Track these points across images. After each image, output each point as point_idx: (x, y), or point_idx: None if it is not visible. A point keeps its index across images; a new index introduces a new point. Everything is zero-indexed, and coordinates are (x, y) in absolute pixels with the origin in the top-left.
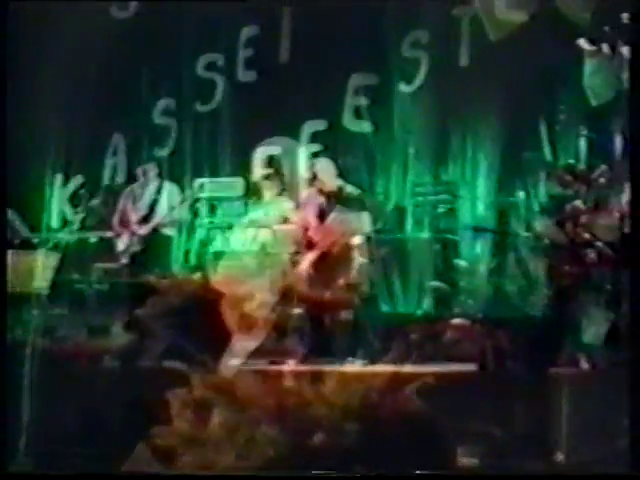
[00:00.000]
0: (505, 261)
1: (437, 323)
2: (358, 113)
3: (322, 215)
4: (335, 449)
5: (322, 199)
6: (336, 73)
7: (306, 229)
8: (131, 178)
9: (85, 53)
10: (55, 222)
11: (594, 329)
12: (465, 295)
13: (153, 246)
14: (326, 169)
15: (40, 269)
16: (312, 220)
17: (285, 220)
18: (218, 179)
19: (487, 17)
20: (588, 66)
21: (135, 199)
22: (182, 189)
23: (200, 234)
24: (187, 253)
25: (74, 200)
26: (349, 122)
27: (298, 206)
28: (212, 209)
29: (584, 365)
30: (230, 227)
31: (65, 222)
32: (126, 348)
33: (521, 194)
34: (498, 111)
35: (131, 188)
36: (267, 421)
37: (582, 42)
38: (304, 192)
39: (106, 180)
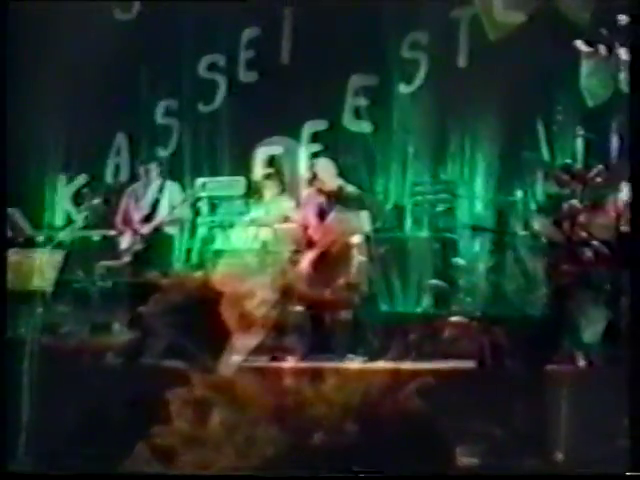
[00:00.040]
0: (503, 259)
1: (436, 321)
2: (358, 113)
3: (322, 214)
4: (335, 448)
5: (322, 198)
6: (336, 74)
7: (306, 228)
8: (134, 177)
9: (89, 54)
10: (59, 220)
11: (591, 327)
12: (464, 293)
13: (155, 244)
14: (326, 169)
15: (44, 267)
16: (312, 219)
17: (286, 219)
18: (219, 178)
19: (486, 18)
20: (585, 67)
21: (138, 198)
22: (184, 188)
23: (202, 233)
24: (189, 251)
25: (78, 199)
26: (349, 122)
27: (298, 205)
28: (213, 208)
29: (581, 362)
30: (231, 226)
31: (69, 220)
32: (129, 345)
33: (519, 193)
34: (496, 111)
35: (134, 187)
36: (267, 420)
37: (579, 44)
38: (304, 191)
39: (109, 179)
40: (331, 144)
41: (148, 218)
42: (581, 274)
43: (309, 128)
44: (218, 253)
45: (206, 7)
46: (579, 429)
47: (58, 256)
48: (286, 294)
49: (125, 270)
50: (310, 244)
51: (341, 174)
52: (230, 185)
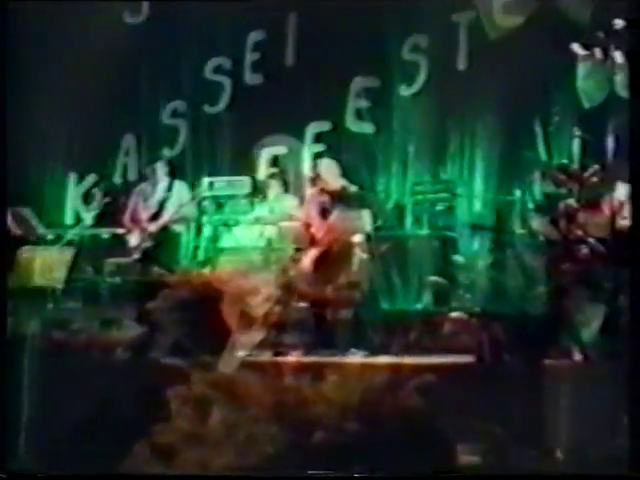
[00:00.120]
0: (502, 257)
1: (436, 317)
2: (360, 115)
3: (325, 213)
4: (335, 447)
5: (325, 198)
6: (339, 76)
7: (309, 226)
8: (142, 177)
9: (99, 57)
10: (69, 219)
11: (588, 322)
12: (463, 290)
13: (163, 242)
14: (329, 169)
15: (54, 264)
16: (315, 218)
17: (290, 217)
18: (225, 178)
19: (485, 21)
20: (581, 70)
21: (146, 197)
22: (191, 187)
23: (208, 231)
24: (195, 249)
25: (88, 198)
26: (351, 123)
27: (302, 204)
28: (219, 207)
29: (577, 357)
30: (236, 224)
31: (79, 219)
32: (137, 340)
33: (517, 193)
34: (495, 113)
35: (142, 187)
36: (267, 418)
37: (576, 47)
38: (308, 191)
39: (118, 179)
40: (334, 144)
41: (156, 216)
42: (578, 271)
43: (312, 129)
44: (224, 251)
45: (212, 11)
46: (575, 422)
47: (68, 254)
48: (290, 290)
49: (133, 267)
50: (313, 242)
51: (343, 174)
52: (235, 184)
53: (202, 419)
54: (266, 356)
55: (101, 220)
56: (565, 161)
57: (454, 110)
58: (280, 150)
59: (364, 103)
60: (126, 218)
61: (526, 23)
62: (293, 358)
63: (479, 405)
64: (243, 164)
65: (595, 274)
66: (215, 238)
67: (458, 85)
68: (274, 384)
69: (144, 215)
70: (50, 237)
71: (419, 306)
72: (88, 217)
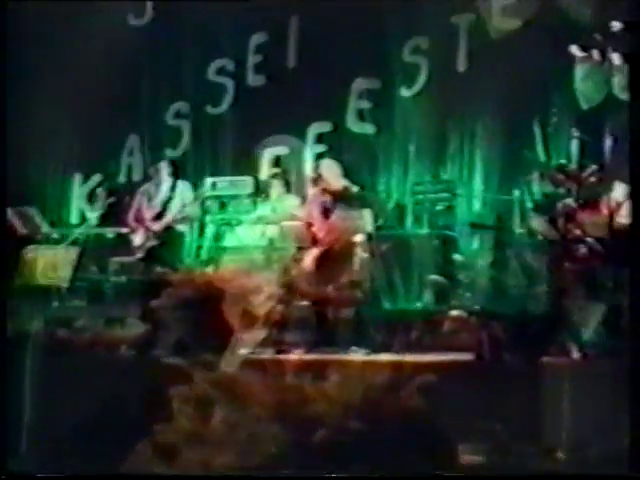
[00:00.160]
0: (501, 256)
1: (436, 315)
2: (361, 115)
3: (326, 213)
4: (336, 446)
5: (327, 198)
6: (340, 77)
7: (311, 226)
8: (146, 177)
9: (104, 59)
10: (74, 218)
11: (586, 321)
12: (463, 288)
13: (167, 241)
14: (331, 169)
15: (60, 263)
16: (317, 218)
17: (292, 217)
18: (228, 178)
19: (485, 23)
20: (579, 71)
21: (150, 197)
22: (194, 187)
23: (211, 230)
24: (199, 248)
25: (92, 197)
26: (353, 124)
27: (304, 204)
28: (222, 206)
29: (576, 355)
30: (239, 223)
31: (84, 218)
32: (141, 338)
33: (516, 192)
34: (494, 114)
35: (146, 186)
36: (269, 418)
37: (574, 49)
38: (310, 191)
39: (122, 179)
40: (335, 145)
41: (160, 216)
42: (576, 270)
43: (314, 129)
44: (226, 250)
45: (215, 13)
46: (573, 419)
47: (73, 253)
48: (292, 289)
49: (137, 266)
50: (315, 241)
51: (345, 174)
52: (238, 184)
53: (204, 418)
54: (268, 354)
55: (106, 220)
56: (563, 161)
57: (454, 111)
58: (282, 150)
59: (365, 104)
60: (130, 218)
61: (525, 25)
62: (295, 356)
63: (479, 403)
64: (245, 164)
65: (593, 273)
66: (218, 237)
67: (458, 86)
68: (276, 383)
69: (148, 215)
70: (55, 236)
71: (420, 305)
72: (93, 217)
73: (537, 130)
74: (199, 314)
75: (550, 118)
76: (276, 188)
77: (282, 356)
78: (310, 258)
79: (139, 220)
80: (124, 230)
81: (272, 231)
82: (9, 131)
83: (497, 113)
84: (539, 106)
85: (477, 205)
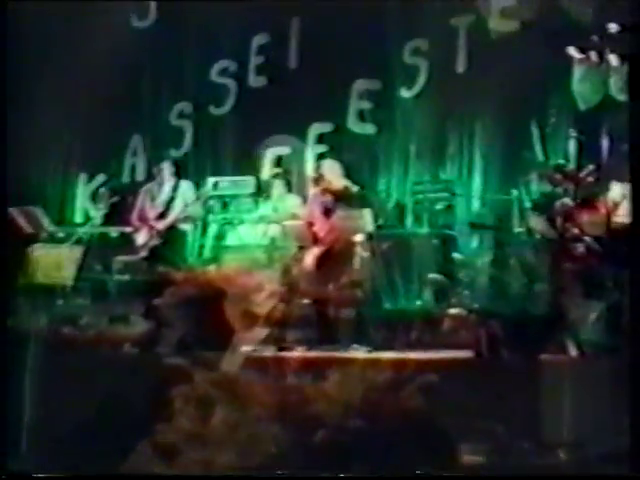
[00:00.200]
0: (500, 255)
1: (436, 313)
2: (362, 116)
3: (327, 213)
4: (336, 446)
5: (328, 198)
6: (341, 79)
7: (312, 225)
8: (149, 177)
9: (108, 60)
10: (78, 218)
11: (583, 318)
12: (462, 287)
13: (170, 240)
14: (332, 169)
15: (64, 262)
16: (318, 217)
17: (293, 216)
18: (230, 178)
19: (484, 25)
20: (577, 73)
21: (153, 196)
22: (196, 187)
23: (213, 229)
24: (201, 247)
25: (96, 197)
26: (353, 124)
27: (305, 203)
28: (225, 206)
29: (573, 353)
30: (241, 223)
31: (88, 218)
32: (145, 336)
33: (515, 192)
34: (493, 114)
35: (149, 186)
36: (269, 418)
37: (572, 50)
38: (311, 190)
39: (126, 178)
40: (336, 145)
41: (163, 215)
42: (574, 268)
43: (315, 130)
44: (229, 248)
45: (218, 15)
46: (571, 416)
47: (78, 251)
48: (293, 287)
49: (141, 265)
50: (316, 241)
51: (345, 174)
52: (240, 184)
53: (205, 418)
54: (270, 352)
55: (109, 219)
56: (561, 161)
57: (453, 112)
58: (283, 150)
59: (366, 105)
60: (134, 217)
61: (523, 27)
62: (296, 354)
63: (478, 400)
64: (247, 164)
65: (591, 271)
66: (220, 236)
67: (457, 87)
68: (276, 383)
69: (151, 214)
70: (60, 235)
71: (419, 303)
72: (97, 216)
73: (535, 130)
74: (202, 312)
75: (548, 119)
76: (277, 188)
77: (283, 354)
78: (311, 257)
79: (142, 219)
80: (128, 229)
81: (274, 230)
82: (17, 132)
83: (496, 114)
84: (537, 107)
85: (476, 205)
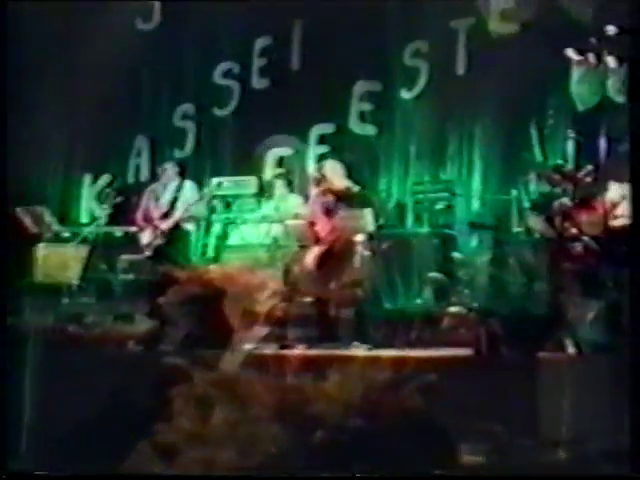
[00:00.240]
0: (499, 254)
1: (436, 312)
2: (363, 117)
3: (329, 213)
4: (336, 446)
5: (330, 198)
6: (343, 80)
7: (314, 224)
8: (153, 177)
9: (113, 62)
10: (84, 217)
11: (581, 317)
12: (462, 286)
13: (174, 240)
14: (334, 170)
15: (70, 261)
16: (320, 217)
17: (295, 216)
18: (233, 178)
19: (484, 27)
20: (575, 74)
21: (157, 196)
22: (200, 187)
23: (216, 229)
24: (205, 246)
25: (102, 197)
26: (355, 125)
27: (307, 203)
28: (228, 206)
29: (571, 351)
30: (244, 222)
31: (93, 217)
32: (149, 334)
33: (514, 192)
34: (492, 115)
35: (153, 186)
36: (268, 418)
37: (570, 52)
38: (313, 190)
39: (130, 179)
40: (338, 146)
41: (167, 215)
42: (572, 267)
43: (317, 131)
44: (231, 248)
45: (221, 18)
46: (568, 413)
47: (83, 251)
48: (294, 287)
49: (145, 264)
50: (317, 240)
51: (347, 174)
52: (243, 184)
53: (205, 418)
54: (271, 349)
55: (114, 219)
56: (560, 162)
57: (453, 113)
58: (286, 151)
59: (367, 106)
60: (138, 217)
61: (522, 29)
62: (297, 351)
63: (477, 397)
64: (250, 165)
65: (589, 270)
66: (223, 236)
67: (457, 89)
68: (276, 383)
69: (156, 214)
70: (65, 235)
71: (420, 301)
72: (102, 216)
73: (534, 131)
74: (205, 310)
75: (547, 120)
76: (280, 188)
77: (283, 353)
78: (313, 256)
79: (147, 219)
80: (132, 229)
81: (276, 230)
82: (22, 133)
83: (495, 115)
84: (536, 108)
85: (476, 204)
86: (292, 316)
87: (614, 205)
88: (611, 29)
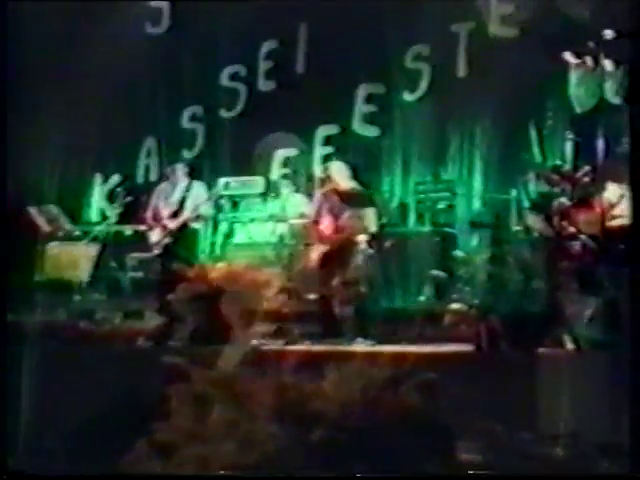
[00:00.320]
0: (499, 252)
1: (437, 308)
2: (366, 119)
3: (334, 212)
4: (335, 445)
5: (334, 197)
6: (347, 83)
7: (318, 224)
8: (162, 177)
9: (124, 65)
10: (94, 216)
11: (579, 314)
12: (462, 283)
13: (182, 238)
14: (340, 171)
15: (81, 259)
16: (324, 216)
17: (301, 215)
18: (240, 178)
19: (484, 31)
20: (573, 77)
21: (166, 196)
22: (208, 187)
23: (224, 227)
24: (212, 245)
25: (112, 197)
26: (358, 127)
27: (312, 203)
28: (235, 205)
29: (569, 346)
30: (251, 221)
31: (104, 217)
32: (158, 330)
33: (513, 192)
34: (492, 117)
35: (162, 186)
36: (266, 416)
37: (568, 55)
38: (318, 190)
39: (140, 179)
40: (342, 147)
41: (176, 214)
42: (570, 265)
43: (322, 132)
44: (238, 246)
45: (228, 22)
46: (566, 407)
47: (94, 249)
48: (299, 284)
49: (154, 262)
50: (322, 238)
51: (352, 175)
52: (249, 184)
53: (203, 416)
54: (276, 345)
55: (124, 218)
56: (558, 162)
57: (454, 114)
58: (291, 152)
59: (370, 108)
60: (148, 216)
61: (522, 33)
62: (302, 347)
63: (477, 392)
64: (257, 165)
65: (586, 268)
66: (230, 234)
67: (458, 91)
68: (275, 381)
69: (165, 213)
70: (77, 234)
71: (421, 298)
72: (112, 215)
73: (533, 132)
74: (212, 307)
75: (546, 121)
76: (285, 188)
77: (282, 351)
78: (317, 254)
79: (156, 218)
80: (142, 228)
81: (282, 229)
82: (37, 134)
83: (495, 116)
84: (535, 110)
85: (476, 204)
86: (297, 313)
87: (611, 205)
88: (608, 33)
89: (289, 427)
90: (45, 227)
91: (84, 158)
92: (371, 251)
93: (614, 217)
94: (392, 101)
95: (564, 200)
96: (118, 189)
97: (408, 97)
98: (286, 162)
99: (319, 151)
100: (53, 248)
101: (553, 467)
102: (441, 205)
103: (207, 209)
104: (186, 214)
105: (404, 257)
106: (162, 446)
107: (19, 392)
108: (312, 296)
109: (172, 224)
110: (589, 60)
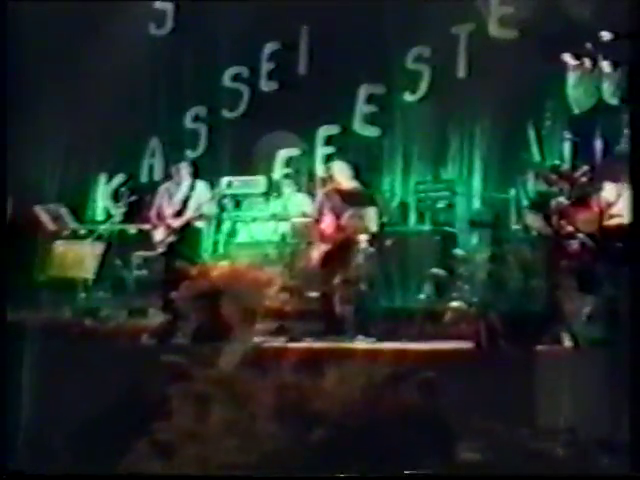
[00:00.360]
0: (498, 251)
1: (437, 306)
2: (367, 119)
3: (336, 212)
4: (335, 445)
5: (336, 196)
6: (348, 84)
7: (320, 223)
8: (166, 176)
9: (128, 67)
10: (99, 215)
11: (577, 311)
12: (462, 281)
13: (186, 237)
14: (342, 170)
15: (86, 257)
16: (326, 215)
17: (303, 214)
18: (243, 178)
19: (484, 33)
20: (571, 78)
21: (170, 195)
22: (211, 187)
23: (227, 226)
24: (215, 243)
25: (117, 196)
26: (359, 127)
27: (314, 202)
28: (237, 204)
29: (567, 344)
30: (253, 220)
31: (108, 215)
32: (162, 327)
33: (512, 191)
34: (492, 117)
35: (166, 186)
36: (266, 416)
37: (566, 57)
38: (320, 190)
39: (144, 178)
40: (343, 147)
41: (179, 213)
42: (568, 264)
43: (323, 132)
44: (241, 245)
45: (231, 23)
46: (564, 403)
47: (99, 248)
48: (301, 282)
49: (159, 260)
50: (324, 237)
51: (354, 174)
52: (252, 184)
53: (203, 416)
54: (279, 343)
55: (129, 217)
56: (557, 162)
57: (454, 115)
58: (294, 152)
59: (371, 108)
60: (152, 215)
61: (521, 35)
62: (304, 344)
63: (478, 389)
64: (259, 164)
65: (585, 267)
66: (233, 233)
67: (458, 92)
68: (275, 380)
69: (168, 212)
70: (82, 232)
71: (421, 296)
72: (117, 214)
73: (532, 133)
74: (215, 305)
75: (544, 122)
76: (288, 187)
77: (282, 350)
78: (319, 253)
79: (160, 217)
80: (146, 227)
81: (284, 228)
82: (43, 134)
83: (495, 117)
84: (534, 110)
85: (476, 203)
86: (298, 311)
87: (609, 204)
88: (606, 35)
89: (289, 427)
90: (50, 225)
91: (89, 158)
92: (372, 250)
93: (612, 216)
94: (393, 102)
95: (562, 199)
96: (122, 188)
97: (408, 98)
98: (288, 162)
99: (320, 151)
100: (58, 246)
101: (553, 465)
102: (441, 204)
103: (210, 208)
104: (189, 213)
105: (404, 256)
106: (162, 446)
107: (21, 391)
108: (313, 294)
109: (176, 223)
110: (587, 61)
